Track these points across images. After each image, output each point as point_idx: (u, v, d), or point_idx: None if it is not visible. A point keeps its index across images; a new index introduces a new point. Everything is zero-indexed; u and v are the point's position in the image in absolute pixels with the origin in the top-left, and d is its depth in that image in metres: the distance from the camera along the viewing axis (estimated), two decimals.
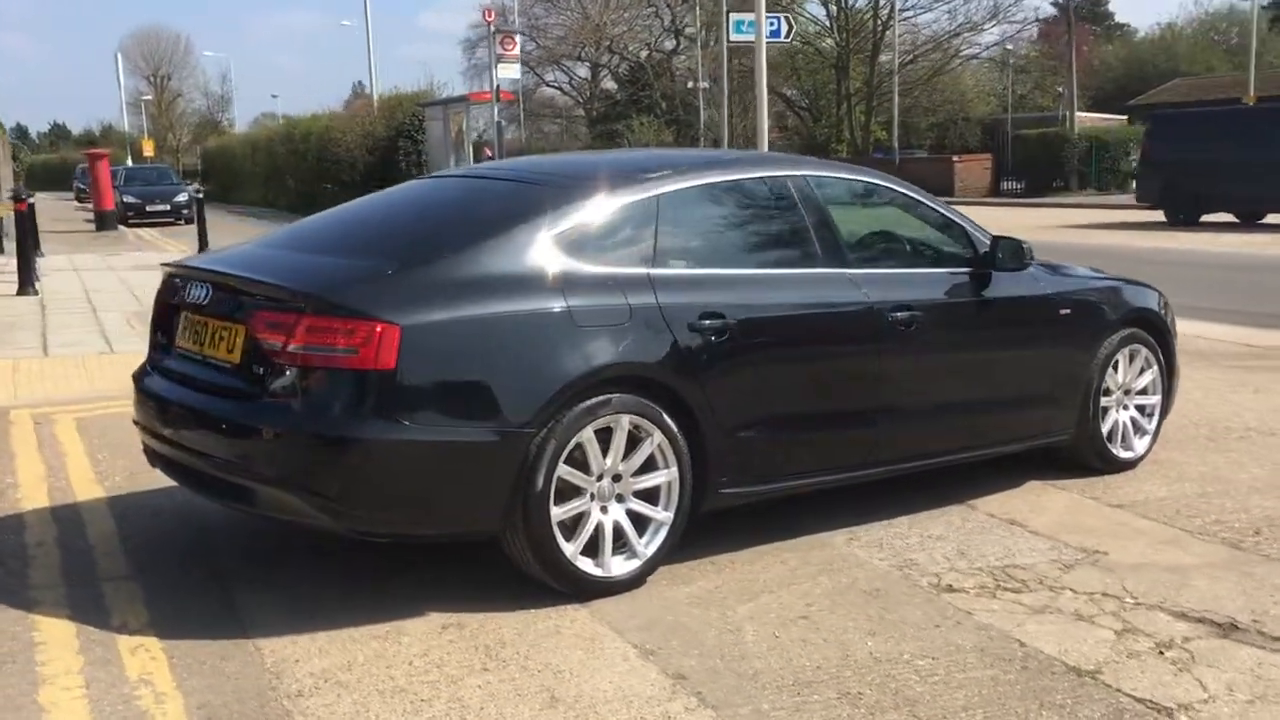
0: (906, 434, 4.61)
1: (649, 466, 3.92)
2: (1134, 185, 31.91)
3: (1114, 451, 5.28)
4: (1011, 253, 4.87)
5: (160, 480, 4.55)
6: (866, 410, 4.46)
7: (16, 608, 3.81)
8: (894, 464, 4.61)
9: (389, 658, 3.40)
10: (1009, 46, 48.46)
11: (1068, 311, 5.09)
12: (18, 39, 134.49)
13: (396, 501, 3.61)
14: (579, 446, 3.75)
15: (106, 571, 4.17)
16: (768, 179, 4.57)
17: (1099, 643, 3.47)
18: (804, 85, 49.60)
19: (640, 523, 3.93)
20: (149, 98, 71.33)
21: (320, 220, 4.69)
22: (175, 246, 20.90)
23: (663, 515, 3.95)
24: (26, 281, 12.87)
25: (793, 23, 21.42)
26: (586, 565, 3.81)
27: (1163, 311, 5.55)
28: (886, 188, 4.97)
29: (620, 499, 3.89)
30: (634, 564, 3.90)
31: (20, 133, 79.47)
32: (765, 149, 16.13)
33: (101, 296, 12.67)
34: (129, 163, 44.24)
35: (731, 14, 17.65)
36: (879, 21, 44.89)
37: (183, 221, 28.23)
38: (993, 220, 5.84)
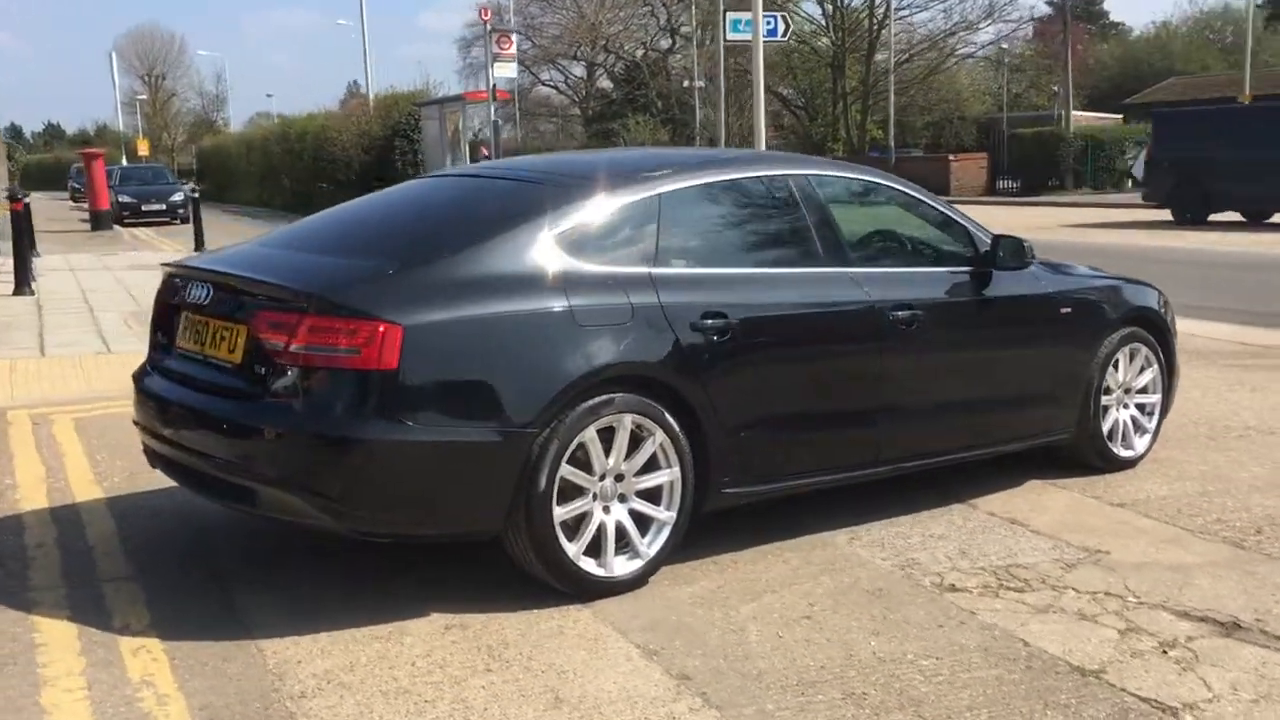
0: (908, 433, 4.61)
1: (651, 466, 3.91)
2: (1130, 184, 32.09)
3: (1114, 450, 5.28)
4: (1013, 251, 4.86)
5: (160, 481, 4.54)
6: (868, 409, 4.46)
7: (17, 609, 3.80)
8: (895, 463, 4.60)
9: (392, 658, 3.40)
10: (1004, 45, 48.53)
11: (1068, 310, 5.09)
12: (11, 38, 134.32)
13: (399, 502, 3.60)
14: (581, 446, 3.74)
15: (107, 572, 4.16)
16: (770, 178, 4.57)
17: (1103, 642, 3.47)
18: (800, 84, 49.57)
19: (643, 523, 3.92)
20: (143, 97, 71.17)
21: (321, 220, 4.68)
22: (171, 246, 20.86)
23: (665, 515, 3.94)
24: (23, 281, 12.84)
25: (789, 21, 21.42)
26: (589, 565, 3.80)
27: (1163, 310, 5.55)
28: (887, 186, 4.96)
29: (623, 499, 3.89)
30: (636, 564, 3.89)
31: (15, 132, 79.45)
32: (763, 148, 16.12)
33: (98, 296, 12.64)
34: (124, 162, 44.15)
35: (728, 13, 17.63)
36: (875, 20, 44.88)
37: (178, 221, 28.17)
38: (992, 220, 5.84)
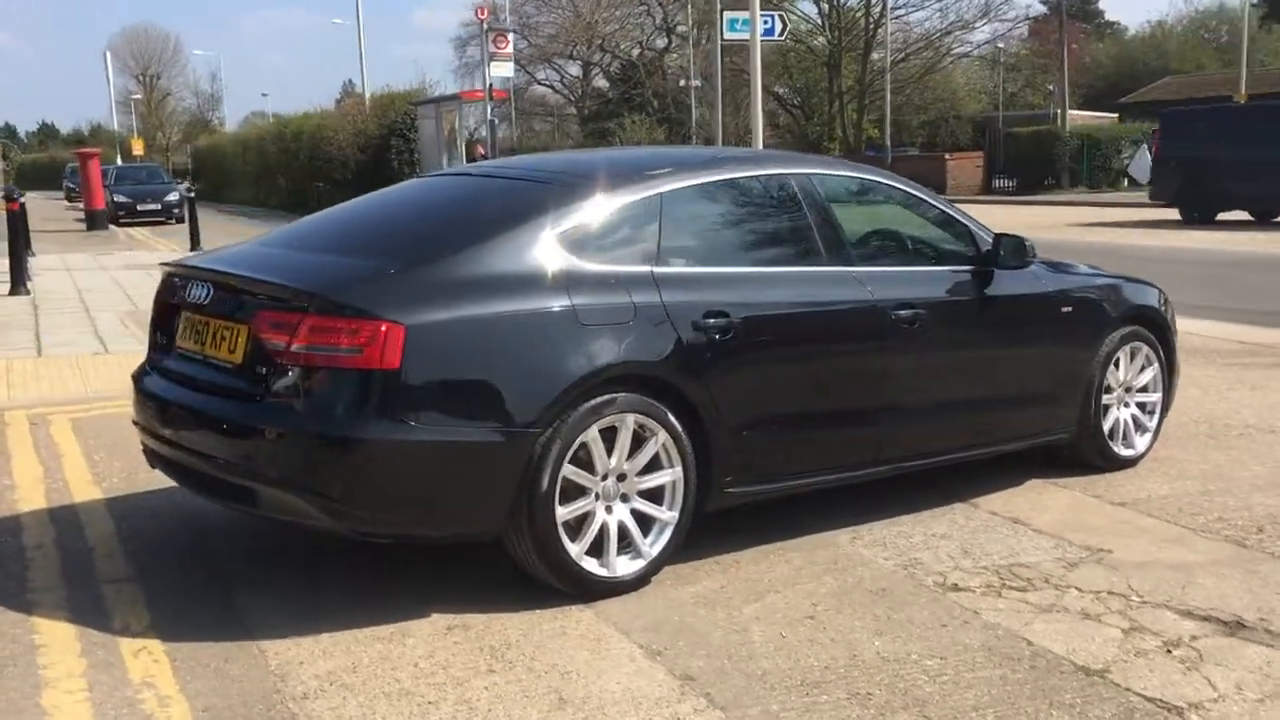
0: (910, 432, 4.60)
1: (654, 466, 3.90)
2: (1126, 183, 32.13)
3: (1115, 449, 5.28)
4: (1014, 250, 4.86)
5: (159, 481, 4.52)
6: (870, 409, 4.45)
7: (17, 610, 3.78)
8: (897, 462, 4.59)
9: (394, 659, 3.38)
10: (1000, 44, 48.64)
11: (1069, 309, 5.09)
12: (6, 38, 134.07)
13: (400, 502, 3.58)
14: (584, 446, 3.73)
15: (106, 573, 4.14)
16: (771, 177, 4.56)
17: (1107, 641, 3.46)
18: (796, 83, 49.62)
19: (645, 522, 3.91)
20: (138, 97, 71.02)
21: (321, 219, 4.66)
22: (167, 246, 20.82)
23: (667, 515, 3.93)
24: (19, 281, 12.81)
25: (786, 20, 21.43)
26: (591, 566, 3.79)
27: (1163, 309, 5.55)
28: (889, 185, 4.95)
29: (625, 499, 3.88)
30: (639, 564, 3.88)
31: (9, 132, 79.30)
32: (760, 147, 16.12)
33: (94, 296, 12.60)
34: (119, 162, 44.05)
35: (725, 12, 17.63)
36: (871, 19, 44.95)
37: (174, 221, 28.11)
38: (992, 219, 5.83)
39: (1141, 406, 5.41)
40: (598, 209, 4.01)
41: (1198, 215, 21.08)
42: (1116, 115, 41.57)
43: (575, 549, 3.74)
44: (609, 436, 3.78)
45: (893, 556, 4.20)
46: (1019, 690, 3.15)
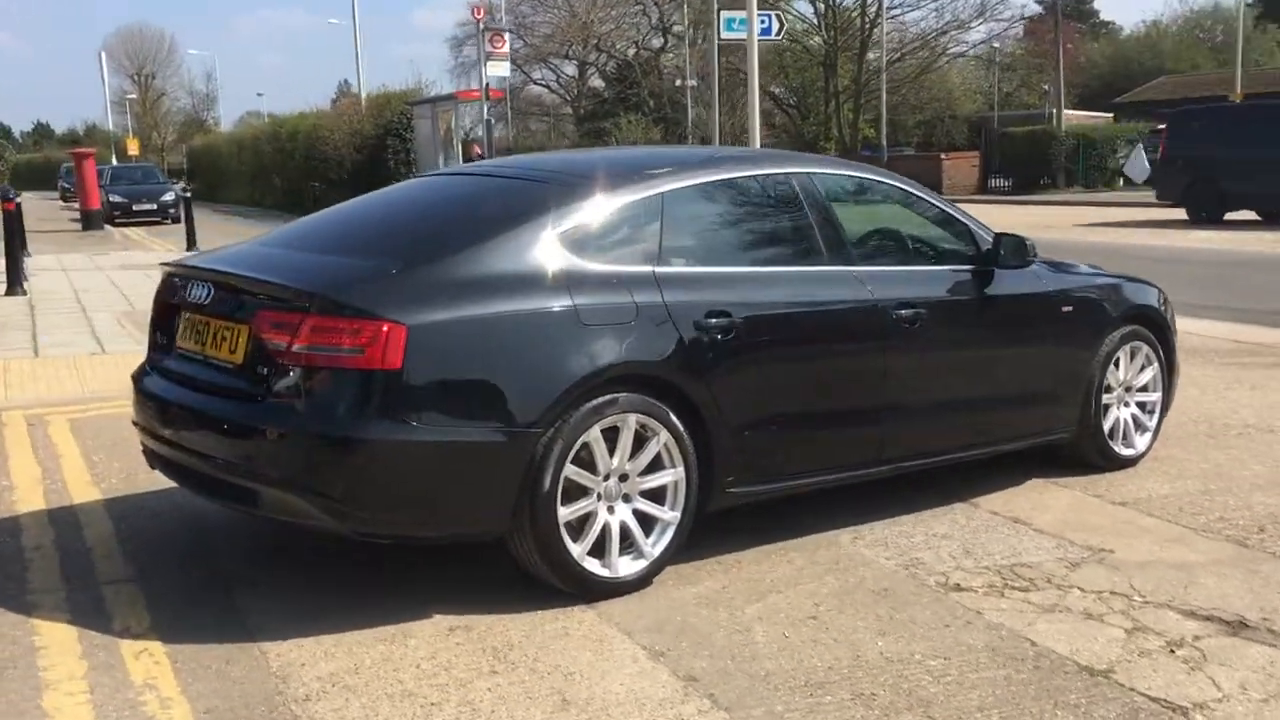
0: (911, 432, 4.59)
1: (656, 466, 3.89)
2: (1121, 183, 32.15)
3: (1115, 449, 5.28)
4: (1014, 250, 4.86)
5: (158, 481, 4.51)
6: (871, 408, 4.45)
7: (17, 612, 3.76)
8: (899, 462, 4.59)
9: (396, 661, 3.37)
10: (995, 44, 48.65)
11: (1070, 309, 5.09)
12: (1, 37, 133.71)
13: (402, 502, 3.57)
14: (585, 446, 3.72)
15: (106, 574, 4.12)
16: (772, 176, 4.55)
17: (1110, 641, 3.46)
18: (792, 83, 49.59)
19: (647, 523, 3.90)
20: (133, 97, 70.98)
21: (321, 219, 4.65)
22: (163, 246, 20.78)
23: (669, 515, 3.92)
24: (15, 281, 12.79)
25: (783, 20, 21.43)
26: (593, 566, 3.78)
27: (1163, 308, 5.55)
28: (889, 185, 4.95)
29: (627, 499, 3.87)
30: (641, 564, 3.87)
31: (3, 132, 79.05)
32: (757, 146, 16.11)
33: (91, 296, 12.57)
34: (114, 162, 43.98)
35: (722, 11, 17.63)
36: (867, 19, 44.92)
37: (169, 221, 28.07)
38: (991, 220, 5.81)
39: (1141, 406, 5.41)
40: (599, 209, 4.01)
41: (1205, 215, 21.03)
42: (1112, 115, 41.61)
43: (577, 549, 3.73)
44: (611, 436, 3.78)
45: (894, 556, 4.20)
46: (1023, 691, 3.15)
